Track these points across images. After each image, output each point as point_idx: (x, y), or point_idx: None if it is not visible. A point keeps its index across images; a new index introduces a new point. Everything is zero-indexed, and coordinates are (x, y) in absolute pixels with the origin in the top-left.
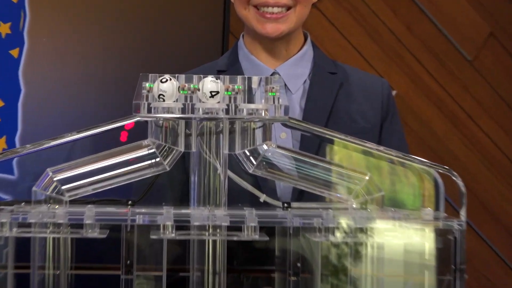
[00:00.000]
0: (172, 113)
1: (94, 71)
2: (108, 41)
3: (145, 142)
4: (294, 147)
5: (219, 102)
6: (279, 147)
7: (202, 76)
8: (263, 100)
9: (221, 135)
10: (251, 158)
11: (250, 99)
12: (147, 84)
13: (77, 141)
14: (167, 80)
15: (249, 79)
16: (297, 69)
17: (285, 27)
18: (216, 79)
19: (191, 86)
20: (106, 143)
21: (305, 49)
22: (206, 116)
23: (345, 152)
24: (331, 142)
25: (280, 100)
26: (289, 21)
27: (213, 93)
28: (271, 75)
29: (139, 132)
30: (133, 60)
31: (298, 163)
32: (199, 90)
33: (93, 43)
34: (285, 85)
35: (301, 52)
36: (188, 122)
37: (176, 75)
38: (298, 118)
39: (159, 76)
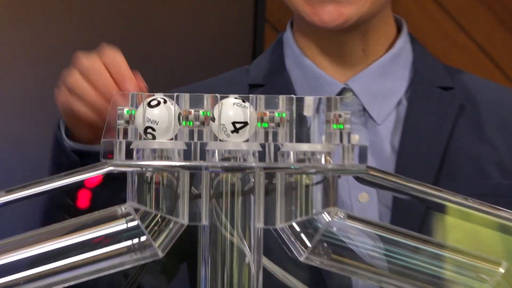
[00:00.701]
0: (168, 159)
1: (29, 80)
2: (64, 30)
3: (122, 208)
4: (381, 218)
5: (248, 140)
6: (351, 217)
7: (219, 96)
8: (323, 137)
9: (251, 197)
10: (302, 236)
11: (301, 136)
12: (125, 110)
13: (5, 206)
14: (159, 103)
15: (299, 101)
16: (384, 81)
17: (353, 11)
18: (243, 101)
19: (201, 113)
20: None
21: (398, 48)
22: (225, 164)
23: (468, 227)
24: (443, 209)
25: (353, 136)
26: (360, 1)
27: (239, 125)
28: (340, 93)
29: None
30: None
31: (388, 245)
32: (214, 119)
33: (35, 35)
34: (364, 109)
35: (391, 53)
36: (195, 175)
37: (175, 94)
38: (387, 168)
39: (147, 96)
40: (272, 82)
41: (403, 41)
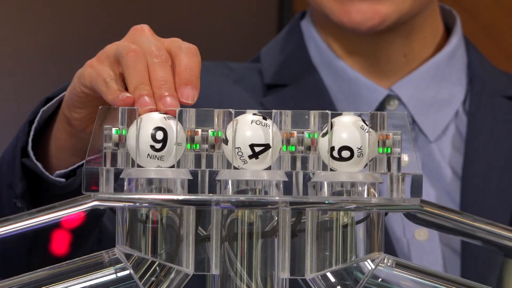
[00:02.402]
0: (168, 191)
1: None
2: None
3: (110, 255)
4: (446, 262)
5: (270, 168)
6: (400, 265)
7: (233, 111)
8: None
9: (274, 240)
10: None
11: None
12: (113, 130)
13: None
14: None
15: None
16: (439, 88)
17: (392, 8)
18: (264, 118)
19: (210, 133)
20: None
21: (453, 46)
22: (241, 198)
23: None
24: None
25: (404, 159)
26: None
27: (258, 149)
28: (383, 101)
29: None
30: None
31: None
32: (226, 141)
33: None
34: (414, 121)
35: (446, 53)
36: (203, 212)
37: (179, 108)
38: (450, 199)
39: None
40: (298, 81)
41: (458, 38)
